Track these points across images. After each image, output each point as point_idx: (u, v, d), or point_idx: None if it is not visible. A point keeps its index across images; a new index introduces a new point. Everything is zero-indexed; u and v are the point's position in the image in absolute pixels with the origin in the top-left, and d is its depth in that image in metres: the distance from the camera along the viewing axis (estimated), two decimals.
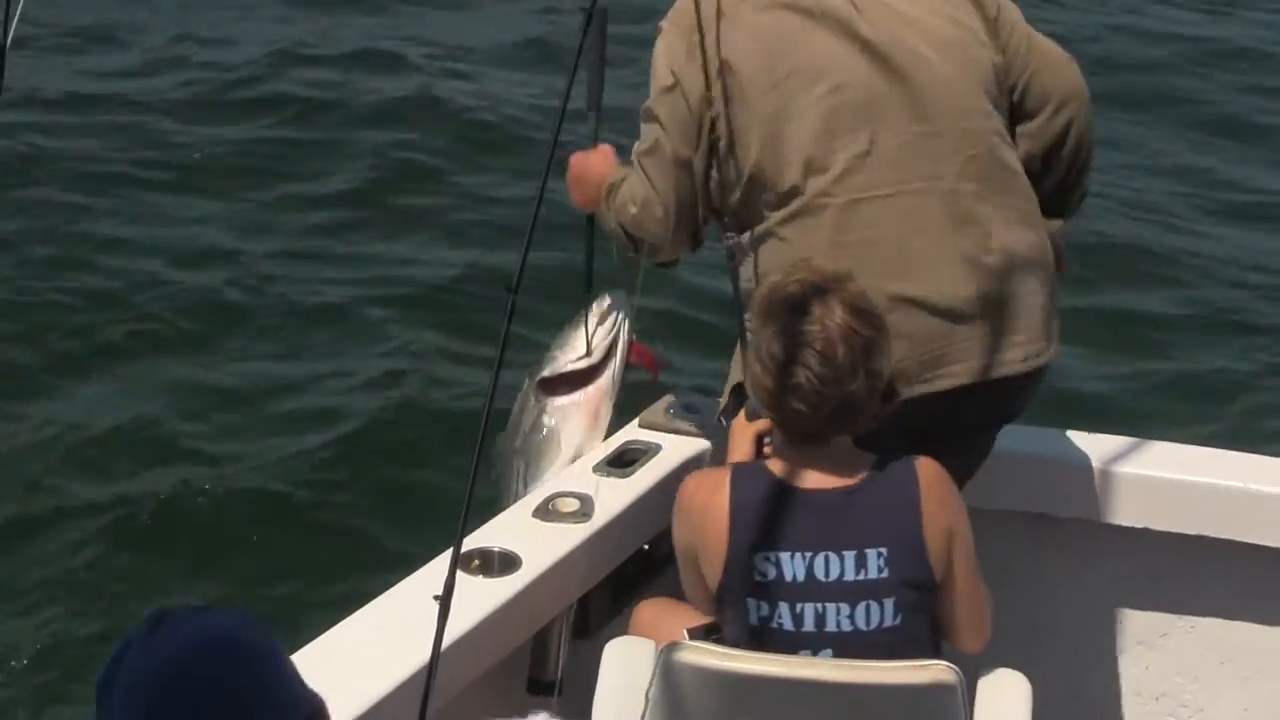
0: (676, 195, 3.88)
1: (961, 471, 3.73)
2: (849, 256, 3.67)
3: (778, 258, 3.77)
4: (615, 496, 4.00)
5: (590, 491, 4.00)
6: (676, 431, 4.31)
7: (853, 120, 3.78)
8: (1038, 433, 4.45)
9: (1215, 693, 4.53)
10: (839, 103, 3.78)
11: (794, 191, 3.77)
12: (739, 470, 3.50)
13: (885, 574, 3.35)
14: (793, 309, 3.36)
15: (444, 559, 3.47)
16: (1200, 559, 4.43)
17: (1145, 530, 4.36)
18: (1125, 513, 4.38)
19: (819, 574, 3.35)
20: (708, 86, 3.82)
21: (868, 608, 3.35)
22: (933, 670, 3.26)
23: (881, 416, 3.44)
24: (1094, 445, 4.47)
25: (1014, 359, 3.80)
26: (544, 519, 3.91)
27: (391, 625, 3.48)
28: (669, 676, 3.30)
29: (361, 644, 3.44)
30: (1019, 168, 3.90)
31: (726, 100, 3.82)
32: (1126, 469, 4.38)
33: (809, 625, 3.35)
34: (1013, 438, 4.11)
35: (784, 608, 3.36)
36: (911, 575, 3.37)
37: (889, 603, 3.35)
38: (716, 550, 3.40)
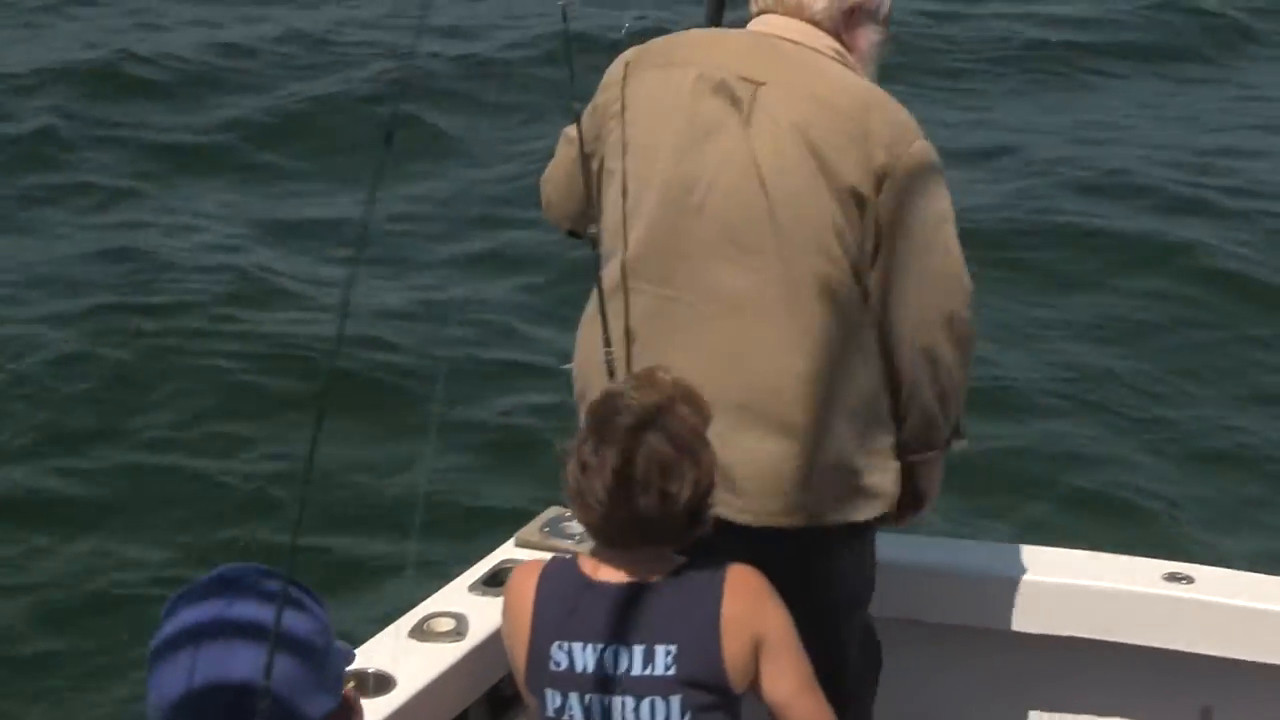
0: (563, 190, 4.08)
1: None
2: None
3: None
4: (490, 615, 4.01)
5: (465, 611, 4.01)
6: (552, 549, 4.31)
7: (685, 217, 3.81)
8: (905, 539, 4.50)
9: None
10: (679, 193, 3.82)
11: (618, 257, 3.87)
12: (551, 562, 3.54)
13: (672, 672, 3.34)
14: (605, 417, 3.39)
15: None
16: (1069, 660, 4.49)
17: (1013, 633, 4.41)
18: (993, 616, 4.44)
19: (608, 666, 3.36)
20: (606, 115, 3.93)
21: (653, 704, 3.34)
22: None
23: (688, 539, 3.43)
24: (961, 551, 4.54)
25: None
26: (419, 639, 3.92)
27: None
28: None
29: None
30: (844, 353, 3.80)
31: (614, 137, 3.92)
32: (994, 573, 4.44)
33: (597, 717, 3.36)
34: (882, 545, 4.15)
35: (574, 699, 3.37)
36: (701, 677, 3.35)
37: (675, 700, 3.34)
38: (521, 638, 3.45)
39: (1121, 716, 4.56)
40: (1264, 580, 4.49)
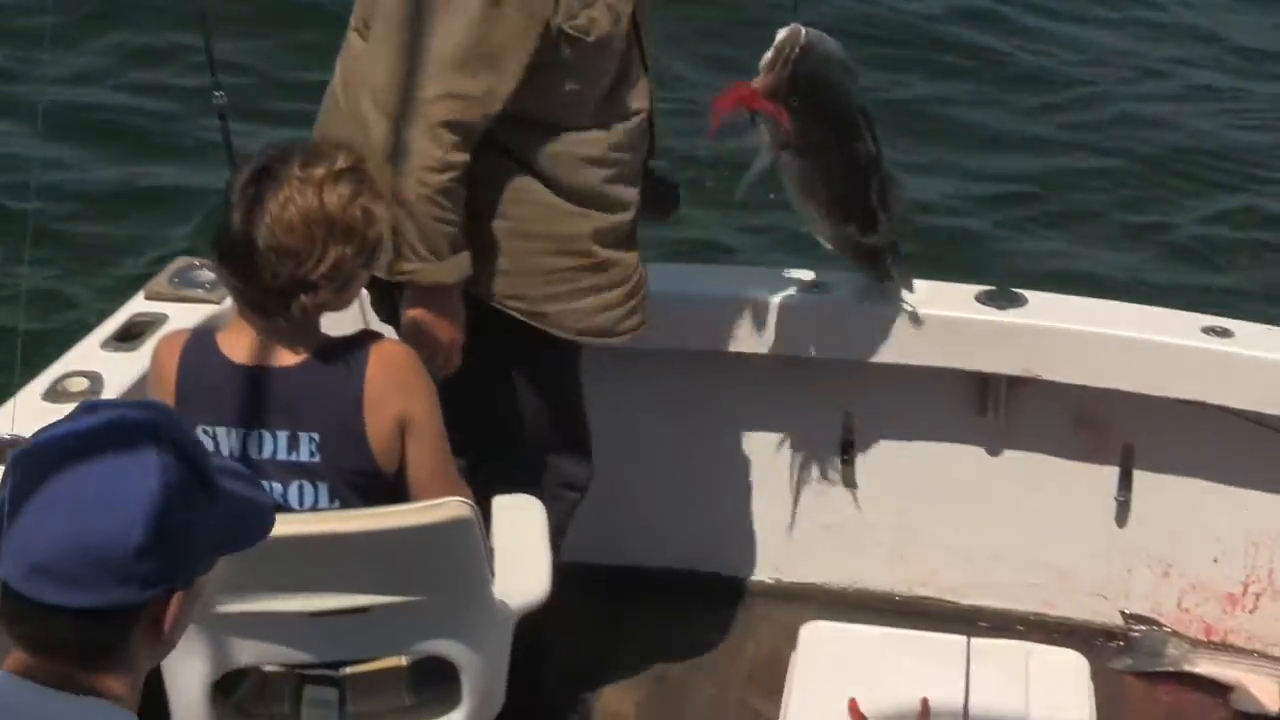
0: None
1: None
2: None
3: None
4: (125, 371, 3.95)
5: (99, 369, 3.94)
6: (182, 300, 4.25)
7: None
8: None
9: (736, 494, 4.78)
10: None
11: None
12: (193, 335, 3.41)
13: (317, 459, 3.30)
14: (260, 176, 3.24)
15: None
16: (713, 375, 4.60)
17: (656, 351, 4.47)
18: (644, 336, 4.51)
19: (252, 451, 3.30)
20: None
21: (300, 488, 3.32)
22: (447, 508, 3.28)
23: (325, 308, 3.31)
24: None
25: None
26: (54, 401, 3.82)
27: None
28: None
29: None
30: None
31: None
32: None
33: None
34: None
35: None
36: (347, 463, 3.31)
37: (323, 487, 3.32)
38: None
39: (769, 431, 4.69)
40: (891, 285, 4.61)
